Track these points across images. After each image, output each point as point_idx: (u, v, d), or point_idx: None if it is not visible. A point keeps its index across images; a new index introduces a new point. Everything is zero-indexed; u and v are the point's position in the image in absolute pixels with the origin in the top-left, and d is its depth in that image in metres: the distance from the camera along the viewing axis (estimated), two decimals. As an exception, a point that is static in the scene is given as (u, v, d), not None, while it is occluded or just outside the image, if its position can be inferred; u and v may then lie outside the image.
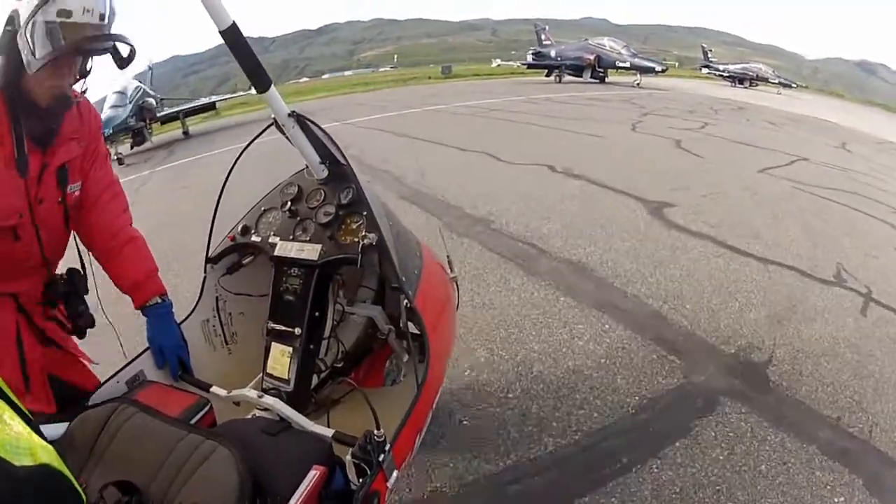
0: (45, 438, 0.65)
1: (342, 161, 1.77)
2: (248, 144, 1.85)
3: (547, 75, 30.33)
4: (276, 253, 1.79)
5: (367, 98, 23.65)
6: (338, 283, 1.90)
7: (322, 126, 1.68)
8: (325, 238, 1.73)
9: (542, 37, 34.37)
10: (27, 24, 1.26)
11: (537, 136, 10.96)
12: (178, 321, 1.83)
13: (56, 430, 1.19)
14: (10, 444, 0.56)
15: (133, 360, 1.68)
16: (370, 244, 1.60)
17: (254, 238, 1.88)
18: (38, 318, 1.65)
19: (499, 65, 31.17)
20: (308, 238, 1.77)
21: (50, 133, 1.50)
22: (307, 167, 1.88)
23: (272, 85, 1.52)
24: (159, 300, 1.75)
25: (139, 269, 1.74)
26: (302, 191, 1.90)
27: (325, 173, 1.85)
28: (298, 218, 1.84)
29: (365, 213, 1.68)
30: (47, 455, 0.61)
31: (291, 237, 1.80)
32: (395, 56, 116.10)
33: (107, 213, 1.74)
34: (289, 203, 1.87)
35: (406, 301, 1.59)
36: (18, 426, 0.61)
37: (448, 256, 2.35)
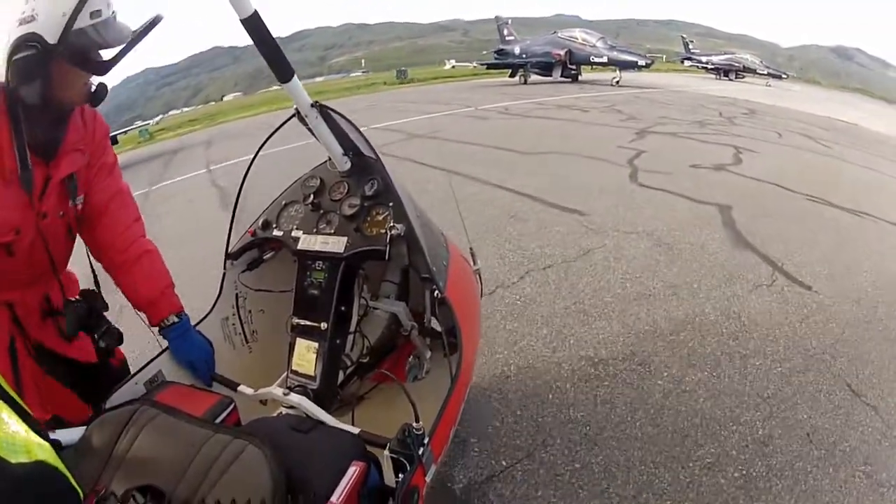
0: (47, 439, 0.64)
1: (368, 153, 1.75)
2: (270, 136, 1.79)
3: (511, 75, 25.70)
4: (299, 247, 1.73)
5: (271, 121, 18.74)
6: (362, 277, 1.81)
7: (345, 116, 1.59)
8: (350, 230, 1.67)
9: (505, 32, 29.99)
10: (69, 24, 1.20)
11: (441, 224, 5.92)
12: (197, 320, 1.77)
13: (73, 434, 1.14)
14: (7, 442, 0.56)
15: (151, 360, 1.61)
16: (398, 235, 1.56)
17: (275, 232, 1.82)
18: (33, 328, 1.56)
19: (454, 66, 26.31)
20: (332, 231, 1.71)
21: (54, 143, 1.41)
22: (329, 159, 1.81)
23: (294, 75, 1.42)
24: (176, 319, 1.64)
25: (153, 286, 1.63)
26: (324, 183, 1.84)
27: (348, 165, 1.78)
28: (322, 211, 1.77)
29: (391, 203, 1.64)
30: (44, 453, 0.60)
31: (315, 230, 1.74)
32: (363, 61, 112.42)
33: (117, 224, 1.62)
34: (311, 196, 1.80)
35: (437, 292, 1.55)
36: (16, 424, 0.60)
37: (471, 248, 2.17)
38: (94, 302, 1.57)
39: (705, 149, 8.52)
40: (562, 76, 24.42)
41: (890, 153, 10.61)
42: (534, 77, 24.87)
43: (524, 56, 25.81)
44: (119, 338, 1.59)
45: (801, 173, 7.15)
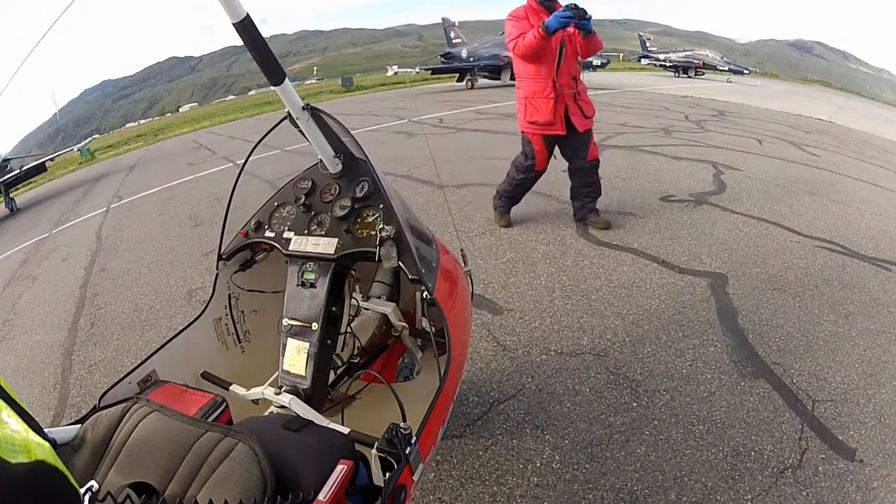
0: (46, 437, 0.63)
1: (358, 154, 1.74)
2: (262, 138, 1.81)
3: (459, 80, 23.67)
4: (291, 248, 1.70)
5: (172, 146, 16.98)
6: (353, 278, 1.79)
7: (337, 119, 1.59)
8: (341, 232, 1.65)
9: (451, 34, 27.97)
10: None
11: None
12: (190, 321, 1.78)
13: (68, 432, 1.11)
14: (6, 442, 0.55)
15: (145, 359, 1.59)
16: (388, 236, 1.54)
17: (267, 233, 1.79)
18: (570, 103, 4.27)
19: (396, 73, 24.13)
20: (323, 232, 1.68)
21: None
22: (320, 161, 1.77)
23: (286, 78, 1.43)
24: None
25: None
26: (316, 185, 1.81)
27: (339, 167, 1.75)
28: (313, 212, 1.74)
29: (381, 205, 1.63)
30: (44, 452, 0.59)
31: (306, 232, 1.71)
32: (315, 69, 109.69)
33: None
34: (303, 198, 1.76)
35: (426, 293, 1.53)
36: (15, 423, 0.59)
37: (462, 250, 2.05)
38: None
39: (678, 169, 6.57)
40: (511, 79, 22.55)
41: (881, 157, 9.04)
42: (482, 81, 22.95)
43: (471, 59, 23.85)
44: None
45: (802, 201, 5.29)
